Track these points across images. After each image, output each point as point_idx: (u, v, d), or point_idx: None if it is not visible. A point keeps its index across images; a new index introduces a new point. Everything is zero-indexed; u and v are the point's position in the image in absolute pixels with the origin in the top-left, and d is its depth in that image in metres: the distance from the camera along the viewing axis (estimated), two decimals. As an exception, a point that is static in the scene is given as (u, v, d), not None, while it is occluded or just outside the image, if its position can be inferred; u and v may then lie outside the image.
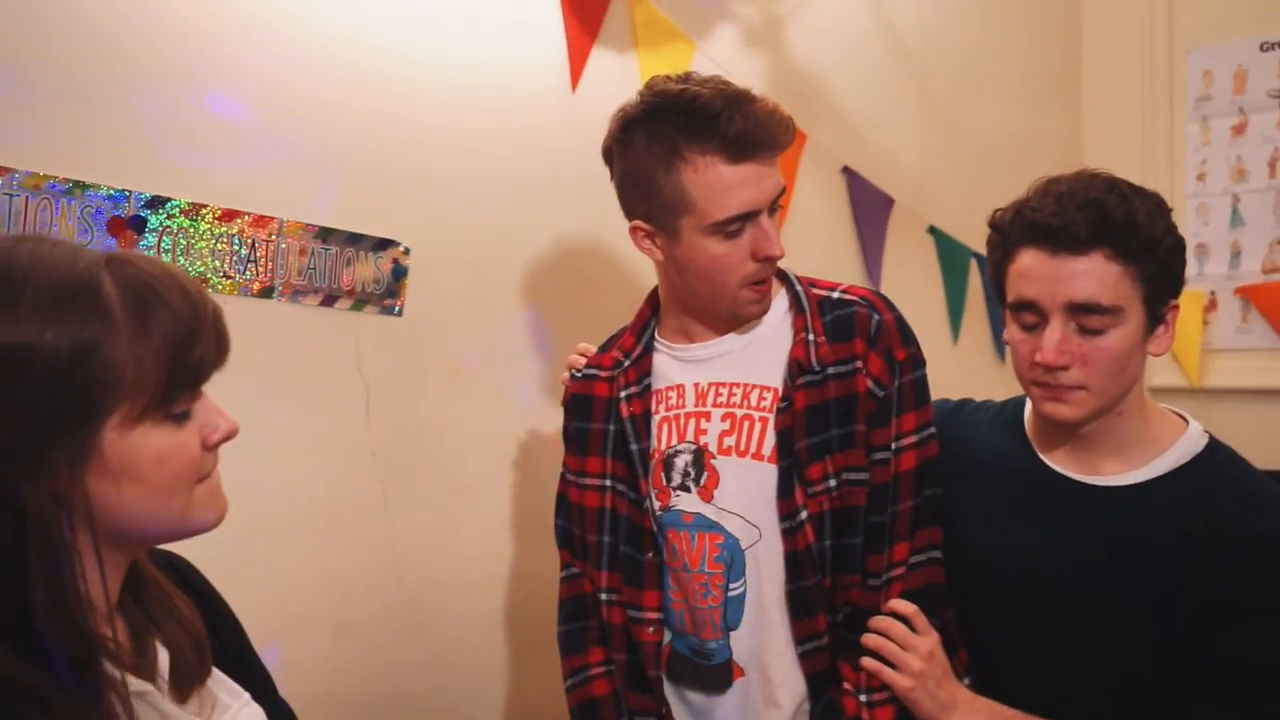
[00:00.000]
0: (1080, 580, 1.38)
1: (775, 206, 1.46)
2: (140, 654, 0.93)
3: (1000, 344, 2.92)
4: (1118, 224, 1.32)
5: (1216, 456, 1.39)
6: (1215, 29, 2.97)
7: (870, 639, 1.43)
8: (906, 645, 1.41)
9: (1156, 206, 1.37)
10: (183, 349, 0.87)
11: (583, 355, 1.66)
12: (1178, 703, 1.32)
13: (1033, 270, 1.36)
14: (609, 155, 1.51)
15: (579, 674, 1.58)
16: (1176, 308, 1.41)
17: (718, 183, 1.40)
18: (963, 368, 2.75)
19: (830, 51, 2.53)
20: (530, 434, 2.03)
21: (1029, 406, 1.50)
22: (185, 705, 0.94)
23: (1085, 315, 1.33)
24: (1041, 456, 1.46)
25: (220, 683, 1.00)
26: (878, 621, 1.43)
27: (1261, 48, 2.91)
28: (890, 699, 1.42)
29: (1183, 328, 2.93)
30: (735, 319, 1.51)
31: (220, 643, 1.04)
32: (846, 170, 2.56)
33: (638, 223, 1.49)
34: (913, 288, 2.68)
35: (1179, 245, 1.38)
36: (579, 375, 1.63)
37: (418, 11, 1.86)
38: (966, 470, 1.50)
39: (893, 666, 1.41)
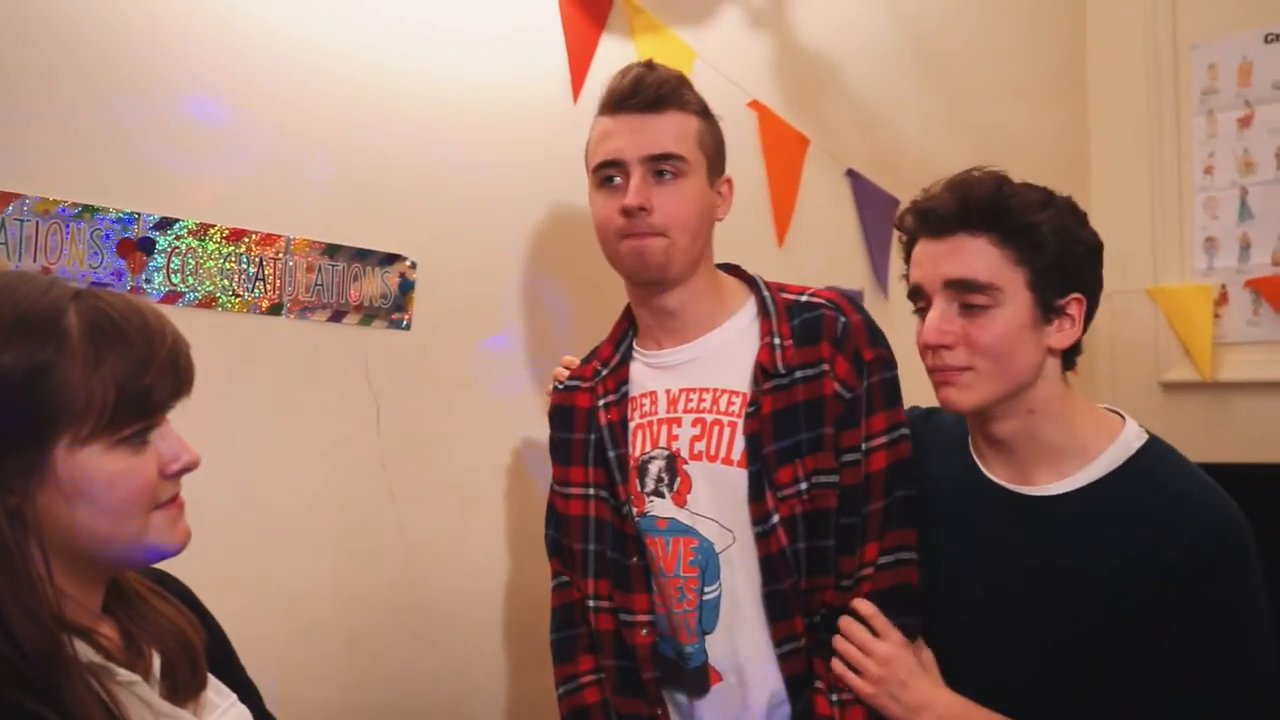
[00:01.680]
0: (1025, 589, 1.36)
1: (662, 169, 1.47)
2: (135, 654, 0.98)
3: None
4: (980, 203, 1.34)
5: (1149, 458, 1.36)
6: (1219, 23, 2.96)
7: (836, 641, 1.43)
8: (866, 650, 1.40)
9: (1048, 201, 1.37)
10: (132, 378, 0.91)
11: (566, 368, 1.69)
12: (1136, 711, 1.30)
13: (918, 256, 1.40)
14: None
15: (570, 682, 1.60)
16: (1081, 302, 1.38)
17: (595, 134, 1.53)
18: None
19: (833, 55, 2.54)
20: (539, 444, 2.04)
21: None
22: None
23: (965, 293, 1.34)
24: (980, 467, 1.45)
25: (209, 683, 1.04)
26: (841, 622, 1.43)
27: (1266, 40, 2.90)
28: (859, 699, 1.42)
29: (1194, 321, 2.96)
30: (636, 284, 1.56)
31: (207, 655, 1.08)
32: (851, 173, 2.57)
33: None
34: (921, 289, 2.68)
35: (1078, 243, 1.37)
36: (561, 387, 1.65)
37: (419, 27, 1.88)
38: (921, 483, 1.48)
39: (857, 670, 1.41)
